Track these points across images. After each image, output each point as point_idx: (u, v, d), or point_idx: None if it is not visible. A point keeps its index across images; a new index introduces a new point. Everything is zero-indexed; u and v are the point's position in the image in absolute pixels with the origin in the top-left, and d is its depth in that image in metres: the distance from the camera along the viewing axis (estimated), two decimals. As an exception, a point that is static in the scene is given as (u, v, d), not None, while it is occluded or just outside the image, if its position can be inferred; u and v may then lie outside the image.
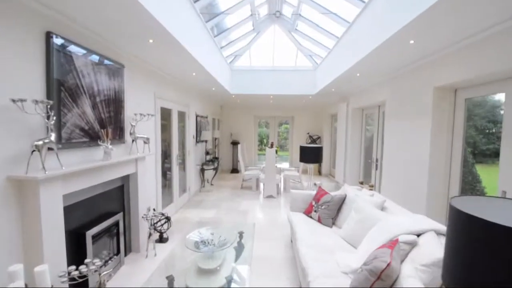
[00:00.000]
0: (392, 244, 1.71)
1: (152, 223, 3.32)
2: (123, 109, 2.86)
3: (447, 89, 2.92)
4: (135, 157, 2.91)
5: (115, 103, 2.72)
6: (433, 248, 1.65)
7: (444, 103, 2.95)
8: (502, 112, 2.45)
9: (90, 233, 2.30)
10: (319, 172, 8.54)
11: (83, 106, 2.27)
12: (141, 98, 3.32)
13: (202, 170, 5.92)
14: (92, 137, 2.39)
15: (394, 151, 3.76)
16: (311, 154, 3.76)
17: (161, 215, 3.45)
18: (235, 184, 6.87)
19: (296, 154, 8.71)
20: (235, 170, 8.64)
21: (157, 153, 3.75)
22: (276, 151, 6.73)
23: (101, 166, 2.35)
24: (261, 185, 6.23)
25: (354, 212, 2.56)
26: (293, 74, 6.40)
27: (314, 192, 3.35)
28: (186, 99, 5.08)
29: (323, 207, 2.95)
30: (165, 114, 4.29)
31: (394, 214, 2.38)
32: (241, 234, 2.56)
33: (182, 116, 5.08)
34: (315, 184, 4.12)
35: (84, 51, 2.27)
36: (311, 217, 3.06)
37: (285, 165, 8.78)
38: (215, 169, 6.32)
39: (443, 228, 1.88)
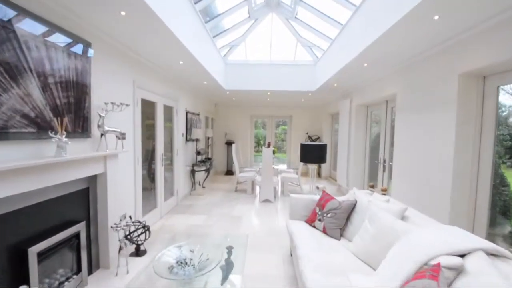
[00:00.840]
0: (434, 271, 1.23)
1: (127, 233, 2.82)
2: (89, 96, 2.36)
3: (474, 75, 2.47)
4: (103, 154, 2.41)
5: (77, 88, 2.22)
6: (491, 278, 1.18)
7: (471, 93, 2.50)
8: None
9: (35, 249, 1.79)
10: (319, 175, 8.07)
11: (27, 87, 1.78)
12: (115, 86, 2.82)
13: (193, 172, 5.42)
14: (42, 127, 1.89)
15: (408, 150, 3.31)
16: (313, 153, 3.27)
17: (138, 223, 2.95)
18: (229, 187, 6.37)
19: (295, 156, 8.25)
20: (229, 172, 8.14)
21: (136, 151, 3.25)
22: (274, 152, 6.26)
23: (51, 164, 1.86)
24: (257, 188, 5.74)
25: (369, 223, 2.08)
26: (292, 69, 5.96)
27: (317, 197, 2.87)
28: (174, 93, 4.59)
29: (329, 215, 2.47)
30: (149, 108, 3.80)
31: (419, 226, 1.90)
32: (230, 250, 2.07)
33: (169, 111, 4.58)
34: (317, 188, 3.65)
35: (30, 19, 1.78)
36: (314, 226, 2.58)
37: (282, 167, 8.30)
38: (207, 170, 5.82)
39: (493, 246, 1.41)
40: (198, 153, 5.44)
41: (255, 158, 9.16)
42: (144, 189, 4.30)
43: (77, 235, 2.24)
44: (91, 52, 2.38)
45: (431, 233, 1.64)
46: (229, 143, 8.21)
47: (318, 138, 8.06)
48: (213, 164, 7.85)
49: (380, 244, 1.91)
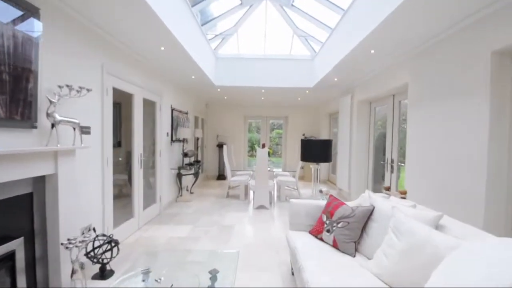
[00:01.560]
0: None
1: (89, 251, 2.27)
2: (34, 75, 1.84)
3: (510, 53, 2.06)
4: (53, 150, 1.88)
5: (14, 62, 1.70)
6: None
7: (507, 75, 2.09)
8: None
9: None
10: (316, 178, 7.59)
11: None
12: (75, 67, 2.31)
13: (179, 176, 4.87)
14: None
15: (424, 147, 2.87)
16: (316, 150, 2.80)
17: (103, 237, 2.40)
18: (220, 193, 5.83)
19: (291, 158, 7.78)
20: (221, 177, 7.59)
21: (105, 149, 2.72)
22: (269, 153, 5.77)
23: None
24: (251, 193, 5.22)
25: (395, 235, 1.60)
26: (288, 64, 5.53)
27: (322, 203, 2.38)
28: (157, 86, 4.08)
29: (340, 225, 1.98)
30: (124, 100, 3.28)
31: (464, 238, 1.43)
32: (214, 275, 1.55)
33: (151, 106, 4.07)
34: (321, 192, 3.17)
35: None
36: (322, 239, 2.08)
37: (278, 170, 7.81)
38: (196, 174, 5.28)
39: None
40: (185, 155, 4.91)
41: (249, 162, 8.66)
42: (119, 195, 3.75)
43: (10, 256, 1.68)
44: (41, 22, 1.87)
45: (495, 249, 1.17)
46: (221, 146, 7.68)
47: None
48: (203, 167, 7.31)
49: (413, 264, 1.43)
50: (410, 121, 3.14)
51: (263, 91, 5.99)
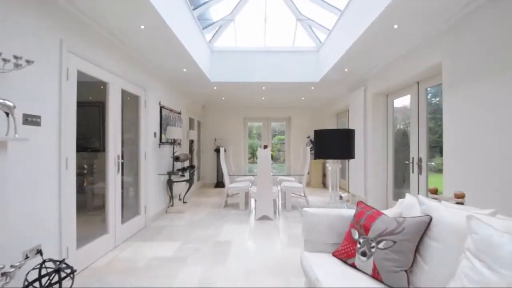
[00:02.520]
0: None
1: (33, 281, 1.66)
2: None
3: None
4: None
5: None
6: None
7: None
8: None
9: None
10: (323, 184, 6.97)
11: None
12: (15, 34, 1.74)
13: (170, 183, 4.25)
14: None
15: (473, 140, 2.26)
16: (336, 144, 2.16)
17: (52, 263, 1.78)
18: (218, 202, 5.19)
19: (295, 163, 7.16)
20: (220, 184, 6.96)
21: (63, 146, 2.12)
22: (272, 157, 5.17)
23: None
24: (252, 202, 4.57)
25: (484, 264, 0.98)
26: (290, 57, 5.00)
27: (349, 212, 1.76)
28: (140, 78, 3.53)
29: (381, 245, 1.36)
30: (95, 89, 2.72)
31: None
32: None
33: (133, 101, 3.51)
34: (340, 198, 2.55)
35: None
36: (354, 266, 1.45)
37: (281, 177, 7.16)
38: (189, 181, 4.66)
39: None
40: (176, 159, 4.31)
41: (250, 168, 8.00)
42: (99, 207, 3.15)
43: None
44: None
45: None
46: (219, 150, 7.08)
47: (322, 142, 7.02)
48: (199, 174, 6.69)
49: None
50: (447, 109, 2.55)
51: (263, 88, 5.44)
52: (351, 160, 4.96)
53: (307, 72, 4.95)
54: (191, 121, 6.25)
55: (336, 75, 4.50)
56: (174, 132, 4.06)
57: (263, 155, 3.89)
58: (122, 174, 3.06)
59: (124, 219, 3.13)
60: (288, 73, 4.96)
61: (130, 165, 3.54)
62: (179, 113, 5.14)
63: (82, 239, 2.38)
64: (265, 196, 3.90)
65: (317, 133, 2.27)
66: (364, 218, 1.54)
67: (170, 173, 4.18)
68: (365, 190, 4.37)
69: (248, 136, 7.82)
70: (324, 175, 7.01)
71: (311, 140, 7.08)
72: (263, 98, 6.60)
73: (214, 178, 7.19)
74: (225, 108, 7.38)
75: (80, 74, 2.34)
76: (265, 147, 4.05)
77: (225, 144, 7.14)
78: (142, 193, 3.59)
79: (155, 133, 3.98)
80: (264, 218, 3.92)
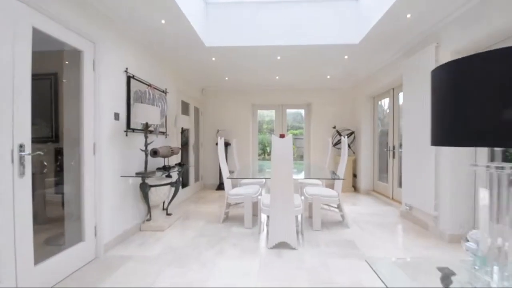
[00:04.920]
0: None
1: None
2: None
3: None
4: None
5: None
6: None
7: None
8: None
9: None
10: (354, 188, 5.46)
11: None
12: None
13: (144, 187, 2.90)
14: None
15: None
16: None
17: None
18: (217, 212, 3.84)
19: (317, 158, 5.70)
20: (223, 186, 5.57)
21: None
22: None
23: None
24: (263, 217, 3.14)
25: None
26: (317, 9, 3.53)
27: None
28: (85, 22, 2.19)
29: None
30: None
31: None
32: None
33: (71, 58, 2.18)
34: (466, 241, 1.06)
35: None
36: None
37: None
38: (175, 184, 3.31)
39: None
40: (153, 153, 2.98)
41: (260, 166, 6.52)
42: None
43: None
44: None
45: None
46: (227, 145, 5.72)
47: (353, 133, 5.50)
48: (196, 172, 5.34)
49: None
50: None
51: (278, 58, 4.00)
52: (404, 159, 3.43)
53: (340, 31, 3.47)
54: (184, 105, 4.91)
55: (388, 28, 3.00)
56: (144, 112, 2.69)
57: (281, 146, 2.47)
58: (30, 177, 1.73)
59: (46, 253, 1.82)
60: (313, 33, 3.50)
61: (69, 163, 2.22)
62: (164, 92, 3.80)
63: None
64: (284, 211, 2.48)
65: (445, 82, 0.78)
66: None
67: (143, 175, 2.83)
68: (435, 203, 2.85)
69: (258, 130, 6.39)
70: (354, 175, 5.51)
71: (338, 132, 5.58)
72: (277, 78, 5.16)
73: (216, 178, 5.85)
74: (229, 92, 5.98)
75: None
76: (282, 136, 2.60)
77: (229, 136, 5.76)
78: (88, 207, 2.26)
79: (116, 115, 2.65)
80: (282, 246, 2.51)
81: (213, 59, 4.03)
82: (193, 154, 5.20)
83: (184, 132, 5.06)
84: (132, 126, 2.91)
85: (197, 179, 5.58)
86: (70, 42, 2.09)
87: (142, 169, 3.11)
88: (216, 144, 5.74)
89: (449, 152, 2.68)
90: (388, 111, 4.65)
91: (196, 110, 5.59)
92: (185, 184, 5.00)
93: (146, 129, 2.81)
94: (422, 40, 3.17)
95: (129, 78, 2.87)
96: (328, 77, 5.07)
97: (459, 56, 1.93)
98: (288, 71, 4.68)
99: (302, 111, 6.41)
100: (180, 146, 3.92)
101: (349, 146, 5.46)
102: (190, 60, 4.05)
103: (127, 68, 2.84)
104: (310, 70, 4.64)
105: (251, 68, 4.50)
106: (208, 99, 6.01)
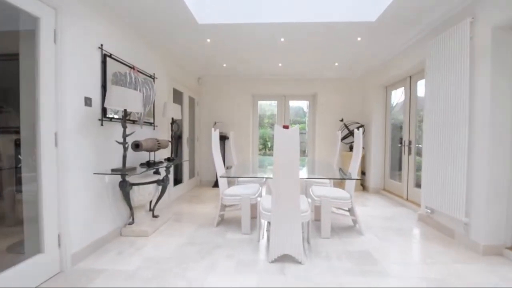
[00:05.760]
0: None
1: None
2: None
3: None
4: None
5: None
6: None
7: None
8: None
9: None
10: (363, 187, 5.04)
11: None
12: None
13: (124, 186, 2.48)
14: None
15: None
16: None
17: None
18: (211, 213, 3.43)
19: (324, 152, 5.28)
20: (220, 183, 5.17)
21: None
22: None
23: None
24: (262, 223, 2.71)
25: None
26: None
27: None
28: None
29: None
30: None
31: None
32: None
33: (30, 33, 1.73)
34: None
35: None
36: None
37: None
38: (162, 182, 2.89)
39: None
40: (135, 146, 2.55)
41: (260, 162, 6.08)
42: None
43: None
44: None
45: None
46: (220, 138, 5.28)
47: (361, 126, 5.05)
48: (192, 168, 4.92)
49: None
50: None
51: (282, 40, 3.53)
52: (425, 151, 2.99)
53: (354, 6, 2.99)
54: (177, 94, 4.46)
55: (411, 2, 2.52)
56: (121, 97, 2.24)
57: (285, 139, 2.03)
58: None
59: (6, 263, 1.41)
60: (321, 9, 3.02)
61: (27, 158, 1.80)
62: (152, 77, 3.35)
63: None
64: (288, 218, 2.06)
65: None
66: None
67: (122, 171, 2.40)
68: (466, 208, 2.41)
69: (258, 124, 5.93)
70: (363, 173, 5.08)
71: (345, 125, 5.13)
72: (280, 65, 4.68)
73: (214, 174, 5.43)
74: (228, 81, 5.51)
75: None
76: (286, 128, 2.15)
77: (228, 129, 5.33)
78: (48, 212, 1.84)
79: (88, 100, 2.20)
80: (285, 259, 2.09)
81: (208, 40, 3.56)
82: (187, 148, 4.77)
83: (176, 124, 4.63)
84: (110, 114, 2.47)
85: (192, 175, 5.17)
86: (23, 5, 1.64)
87: (126, 164, 2.68)
88: (213, 137, 5.31)
89: (486, 147, 2.24)
90: (394, 104, 4.19)
91: (192, 100, 5.13)
92: (178, 180, 4.59)
93: (125, 118, 2.36)
94: (452, 16, 2.68)
95: (105, 57, 2.41)
96: (336, 64, 4.59)
97: (503, 33, 1.44)
98: (292, 57, 4.20)
99: (304, 106, 5.95)
100: (170, 139, 3.49)
101: (357, 141, 5.01)
102: (182, 42, 3.58)
103: (102, 45, 2.39)
104: (316, 56, 4.17)
105: (251, 52, 4.03)
106: (205, 89, 5.55)
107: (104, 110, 2.40)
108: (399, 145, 4.19)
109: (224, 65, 4.71)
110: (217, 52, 4.03)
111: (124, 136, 2.36)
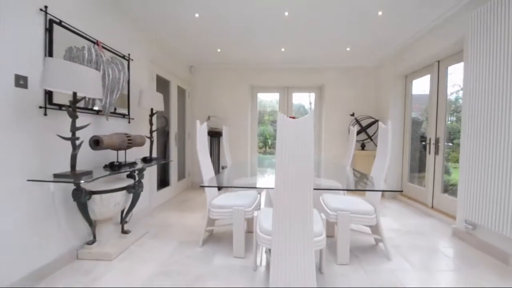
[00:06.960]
0: None
1: None
2: None
3: None
4: None
5: None
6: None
7: None
8: None
9: None
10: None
11: None
12: None
13: (79, 196, 1.87)
14: None
15: None
16: None
17: None
18: (198, 225, 2.83)
19: (332, 150, 4.69)
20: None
21: None
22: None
23: None
24: (260, 249, 2.11)
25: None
26: None
27: None
28: None
29: None
30: None
31: None
32: None
33: None
34: None
35: None
36: None
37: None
38: (132, 189, 2.28)
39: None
40: (95, 142, 1.95)
41: (260, 161, 5.41)
42: None
43: None
44: None
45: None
46: (213, 134, 4.70)
47: (376, 121, 4.43)
48: (182, 168, 4.30)
49: None
50: None
51: (286, 14, 2.90)
52: (463, 151, 2.37)
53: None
54: (162, 83, 3.86)
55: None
56: (64, 73, 1.61)
57: (294, 132, 1.42)
58: None
59: None
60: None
61: None
62: (126, 58, 2.73)
63: None
64: (296, 245, 1.46)
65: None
66: None
67: (69, 177, 1.79)
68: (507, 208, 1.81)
69: (257, 119, 5.32)
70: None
71: (357, 120, 4.51)
72: (283, 50, 4.06)
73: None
74: (223, 70, 4.89)
75: None
76: (292, 119, 1.55)
77: (223, 124, 4.72)
78: None
79: (20, 79, 1.59)
80: (292, 301, 1.49)
81: (196, 15, 2.94)
82: (175, 146, 4.16)
83: (164, 118, 4.03)
84: (57, 100, 1.86)
85: (182, 176, 4.57)
86: None
87: (84, 166, 2.08)
88: (208, 134, 4.72)
89: None
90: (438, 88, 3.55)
91: (181, 91, 4.52)
92: (165, 183, 4.00)
93: (74, 104, 1.74)
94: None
95: (51, 24, 1.80)
96: (348, 49, 3.96)
97: None
98: (298, 38, 3.58)
99: (305, 104, 5.34)
100: (150, 135, 2.88)
101: (370, 138, 4.41)
102: (165, 16, 2.95)
103: (46, 7, 1.77)
104: (326, 37, 3.54)
105: (249, 32, 3.40)
106: (198, 79, 4.93)
107: (49, 95, 1.79)
108: (423, 143, 3.57)
109: (219, 50, 4.09)
110: (209, 32, 3.41)
111: (74, 130, 1.75)
